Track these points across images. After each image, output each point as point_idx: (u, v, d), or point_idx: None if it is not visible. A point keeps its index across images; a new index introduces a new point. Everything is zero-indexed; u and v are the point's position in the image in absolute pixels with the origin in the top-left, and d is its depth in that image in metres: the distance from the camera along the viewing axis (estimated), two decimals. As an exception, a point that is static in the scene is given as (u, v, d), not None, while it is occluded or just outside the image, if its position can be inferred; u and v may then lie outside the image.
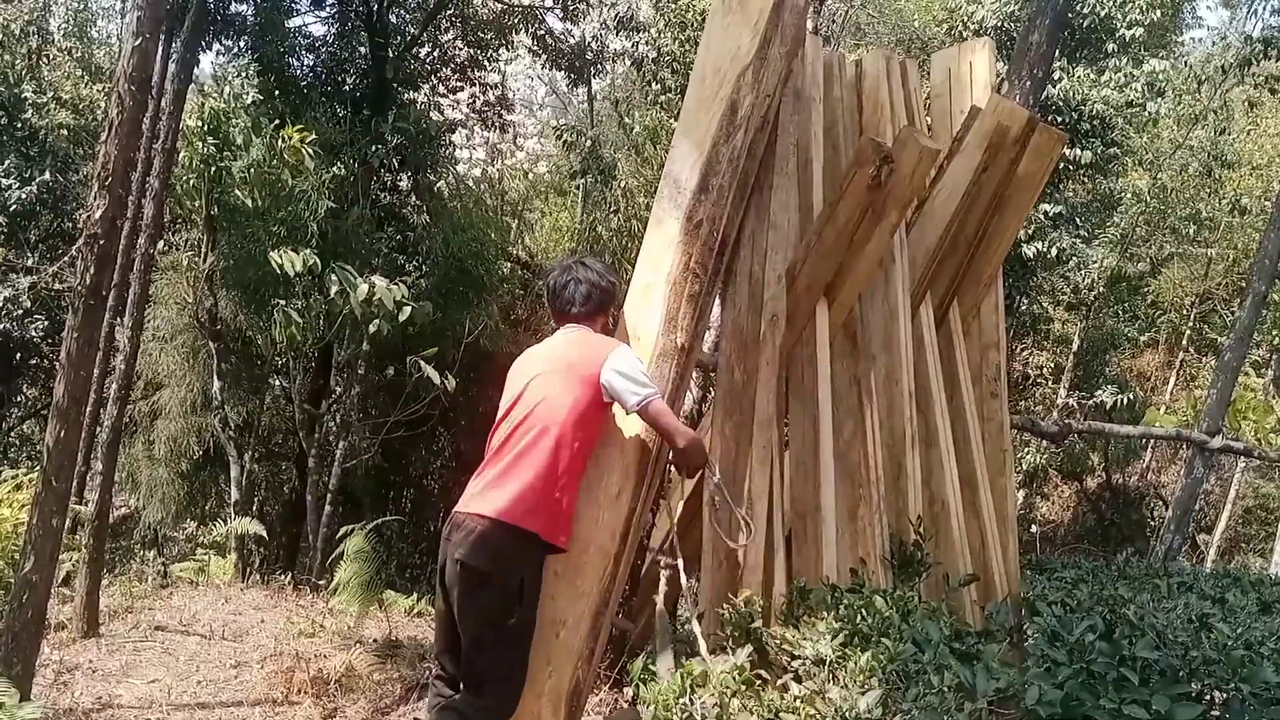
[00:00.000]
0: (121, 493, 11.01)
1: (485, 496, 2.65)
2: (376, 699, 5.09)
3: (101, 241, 3.59)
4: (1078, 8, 10.81)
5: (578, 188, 13.45)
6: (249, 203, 8.34)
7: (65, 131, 11.31)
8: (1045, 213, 10.19)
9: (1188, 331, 17.01)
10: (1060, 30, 7.29)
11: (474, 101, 13.91)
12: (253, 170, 8.26)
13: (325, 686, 5.14)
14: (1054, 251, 10.38)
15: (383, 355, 10.39)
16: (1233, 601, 3.91)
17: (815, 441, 3.46)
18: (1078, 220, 11.51)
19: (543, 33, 13.06)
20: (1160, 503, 14.56)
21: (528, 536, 2.61)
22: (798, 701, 2.51)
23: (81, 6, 14.08)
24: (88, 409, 6.04)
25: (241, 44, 10.09)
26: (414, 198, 11.50)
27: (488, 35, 12.87)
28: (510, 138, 15.54)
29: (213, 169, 8.33)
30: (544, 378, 2.78)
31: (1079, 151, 10.32)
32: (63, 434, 3.69)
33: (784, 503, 3.42)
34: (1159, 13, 11.41)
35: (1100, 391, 12.96)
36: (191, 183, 8.39)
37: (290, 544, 10.97)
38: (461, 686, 2.76)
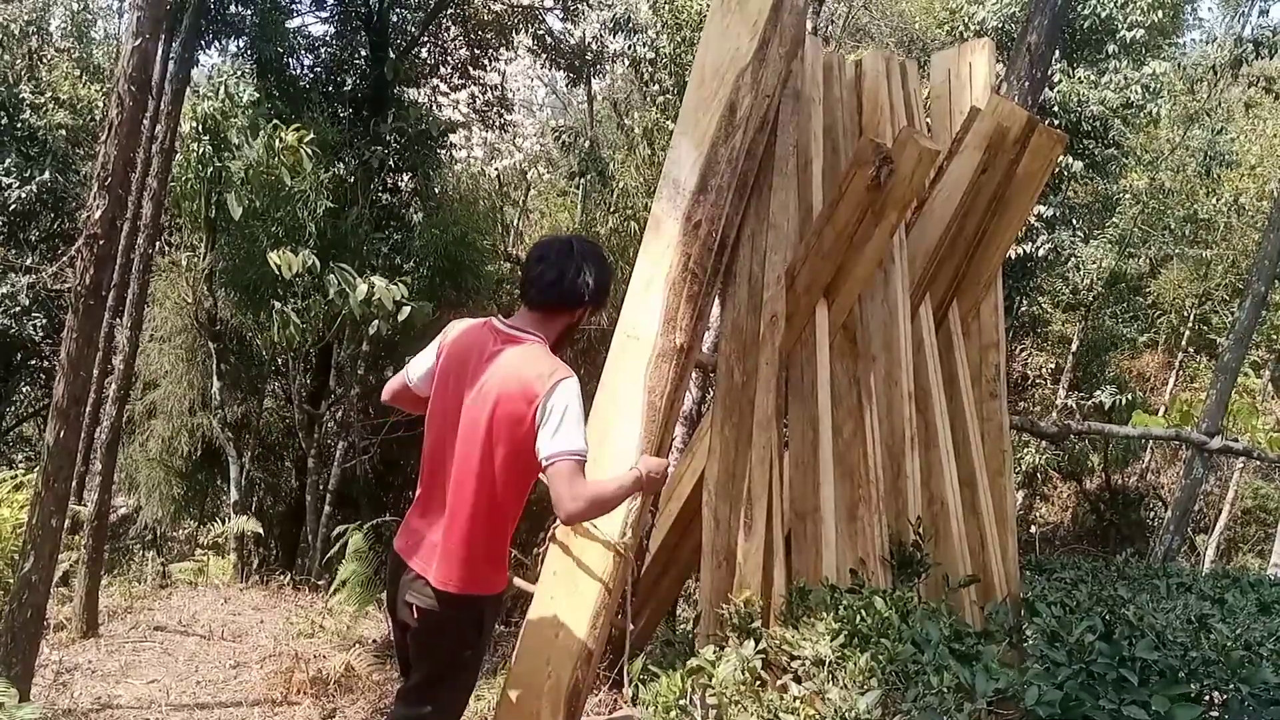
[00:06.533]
0: (121, 493, 11.00)
1: (421, 555, 2.57)
2: (375, 699, 5.09)
3: (101, 241, 3.57)
4: (1078, 8, 10.82)
5: (577, 188, 13.47)
6: (247, 202, 8.32)
7: (64, 132, 11.31)
8: (1039, 214, 10.23)
9: (1187, 332, 17.00)
10: (1058, 31, 7.30)
11: (474, 101, 13.90)
12: (250, 171, 8.25)
13: (324, 687, 5.15)
14: (1042, 251, 10.43)
15: (382, 356, 10.39)
16: (1232, 602, 3.92)
17: (815, 442, 3.46)
18: (1074, 222, 11.54)
19: (542, 32, 13.07)
20: (1159, 503, 14.57)
21: (467, 598, 2.54)
22: (797, 702, 2.51)
23: (81, 7, 14.06)
24: (87, 409, 6.04)
25: (240, 44, 10.09)
26: (414, 198, 11.50)
27: (488, 35, 12.87)
28: (510, 138, 15.55)
29: (209, 169, 8.32)
30: (480, 417, 2.44)
31: (1070, 160, 10.37)
32: (62, 434, 3.68)
33: (783, 503, 3.42)
34: (1160, 14, 11.41)
35: (1099, 392, 12.98)
36: (190, 184, 8.38)
37: (289, 544, 10.98)
38: (399, 695, 2.74)
